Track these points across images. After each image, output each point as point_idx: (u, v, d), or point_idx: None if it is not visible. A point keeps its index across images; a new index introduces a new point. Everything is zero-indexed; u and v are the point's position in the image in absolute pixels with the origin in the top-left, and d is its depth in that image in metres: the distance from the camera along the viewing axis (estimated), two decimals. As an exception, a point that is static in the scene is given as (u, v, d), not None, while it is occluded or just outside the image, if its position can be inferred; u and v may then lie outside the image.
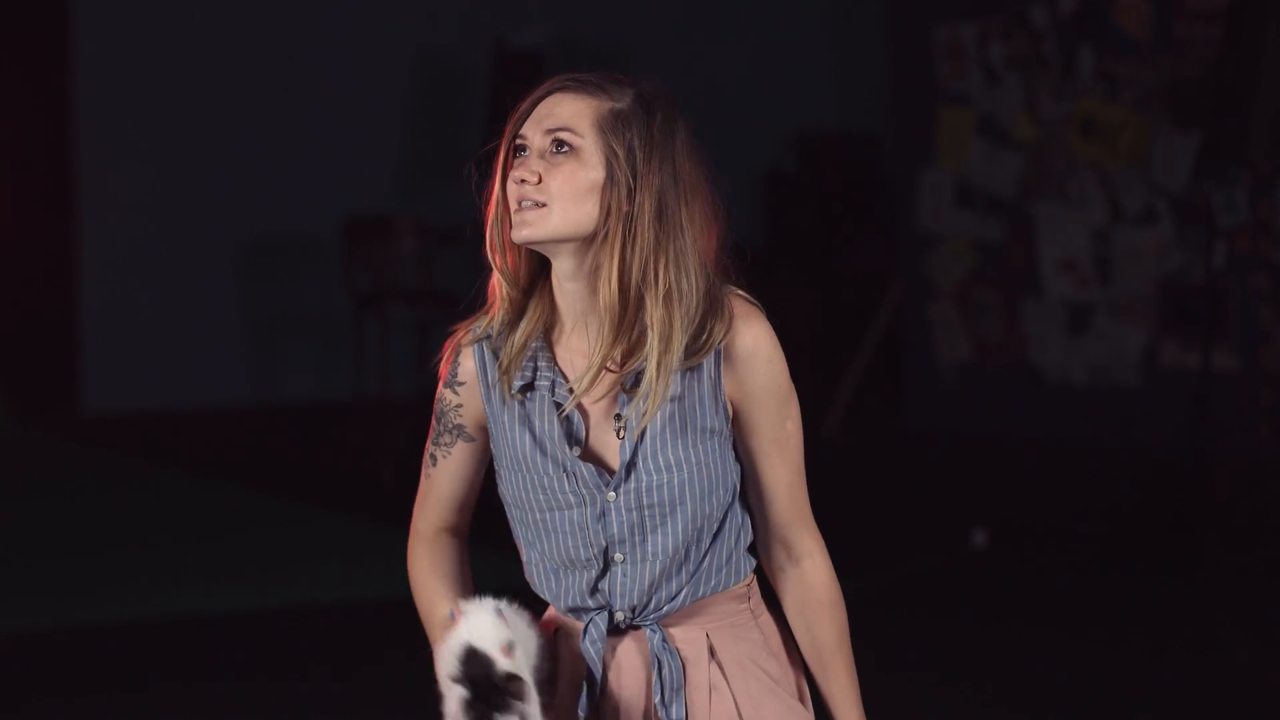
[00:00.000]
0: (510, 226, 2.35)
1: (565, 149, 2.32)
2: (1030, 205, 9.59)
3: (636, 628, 2.39)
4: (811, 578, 2.45)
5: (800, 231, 11.06)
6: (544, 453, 2.36)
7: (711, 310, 2.35)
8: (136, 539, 7.41)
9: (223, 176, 10.54)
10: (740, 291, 2.41)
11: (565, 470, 2.35)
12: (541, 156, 2.33)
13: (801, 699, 2.48)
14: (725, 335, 2.35)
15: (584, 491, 2.35)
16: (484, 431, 2.45)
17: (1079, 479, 8.45)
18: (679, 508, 2.35)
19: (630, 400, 2.34)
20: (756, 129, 11.29)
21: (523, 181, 2.33)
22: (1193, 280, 8.96)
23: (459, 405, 2.44)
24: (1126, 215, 9.27)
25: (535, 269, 2.39)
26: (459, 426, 2.44)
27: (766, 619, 2.47)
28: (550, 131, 2.33)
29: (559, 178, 2.32)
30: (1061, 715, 5.20)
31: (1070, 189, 9.45)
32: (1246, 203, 8.70)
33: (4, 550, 7.17)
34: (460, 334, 2.44)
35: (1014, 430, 9.57)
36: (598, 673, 2.38)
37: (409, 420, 9.46)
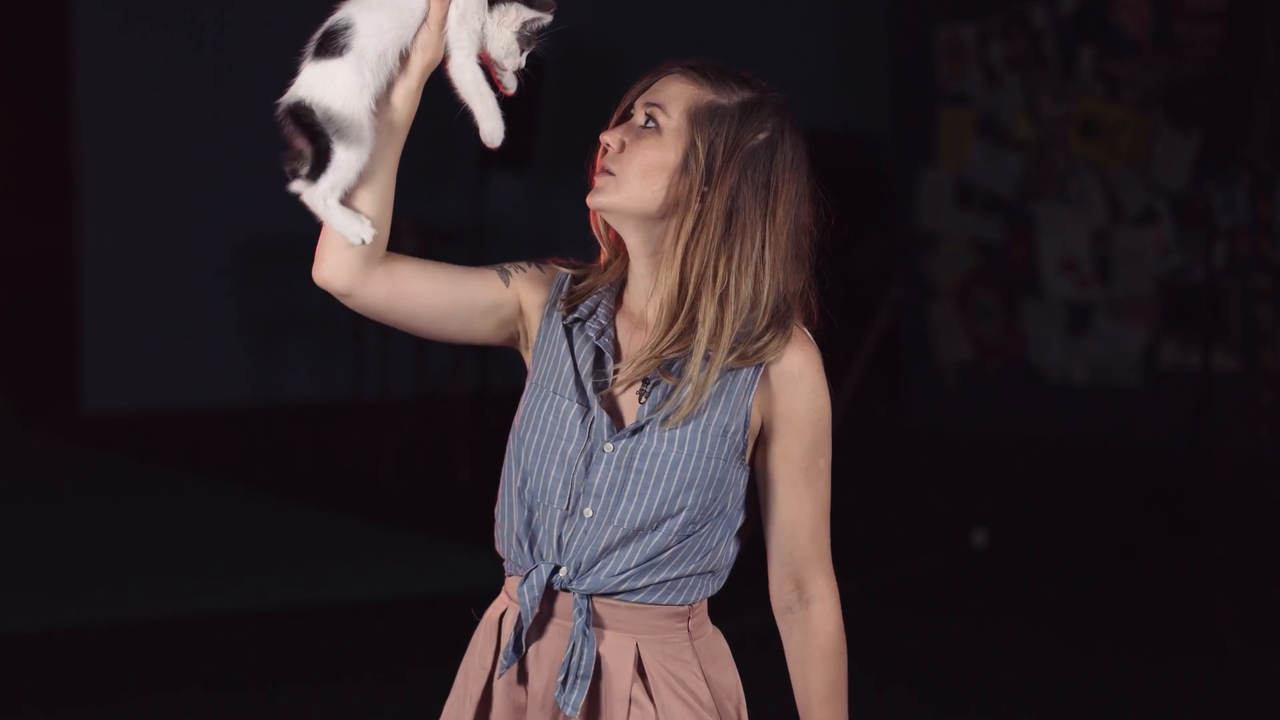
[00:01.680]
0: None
1: (652, 125, 2.37)
2: (1030, 205, 9.59)
3: (569, 592, 2.37)
4: (817, 622, 2.42)
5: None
6: (574, 384, 2.38)
7: (775, 325, 2.36)
8: (137, 539, 7.41)
9: (222, 176, 10.54)
10: (802, 326, 2.42)
11: (585, 406, 2.37)
12: (633, 128, 2.38)
13: None
14: (778, 353, 2.36)
15: (588, 433, 2.36)
16: (509, 311, 2.45)
17: (1079, 479, 8.45)
18: (661, 483, 2.34)
19: (665, 383, 2.36)
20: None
21: (608, 147, 2.38)
22: (1193, 280, 8.96)
23: (523, 270, 2.46)
24: (1126, 215, 9.27)
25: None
26: (505, 271, 2.45)
27: (708, 642, 2.44)
28: (648, 105, 2.37)
29: (634, 150, 2.36)
30: (1061, 716, 5.20)
31: (1070, 189, 9.45)
32: (1246, 203, 8.70)
33: (4, 550, 7.17)
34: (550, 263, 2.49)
35: (1014, 430, 9.57)
36: (527, 619, 2.37)
37: (409, 420, 9.47)
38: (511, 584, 2.43)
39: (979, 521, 7.15)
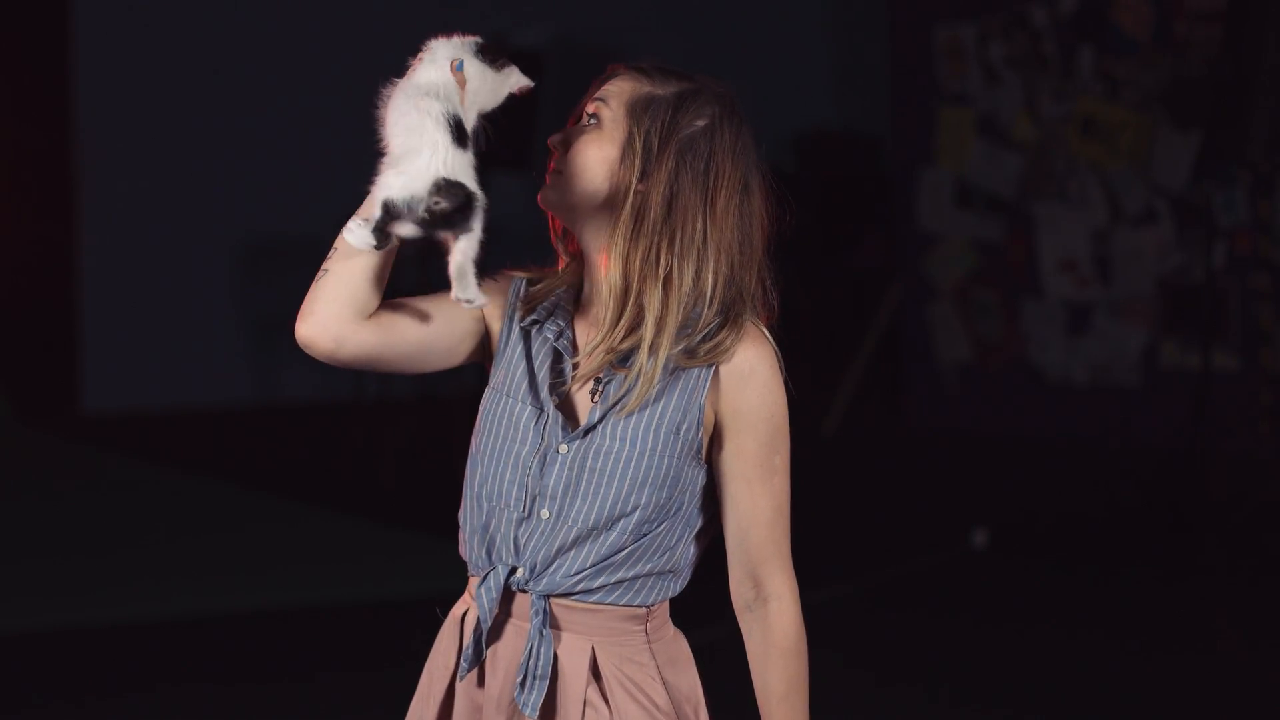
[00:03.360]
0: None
1: (593, 120, 2.40)
2: (1030, 205, 9.59)
3: (526, 593, 2.38)
4: (774, 620, 2.40)
5: (800, 231, 11.05)
6: (528, 387, 2.40)
7: (728, 322, 2.37)
8: (136, 539, 7.41)
9: (223, 177, 10.54)
10: (759, 324, 2.43)
11: (538, 408, 2.38)
12: (577, 127, 2.41)
13: None
14: (729, 352, 2.37)
15: (542, 435, 2.37)
16: (480, 328, 2.47)
17: (1079, 479, 8.45)
18: (615, 483, 2.35)
19: (616, 375, 2.37)
20: (756, 129, 11.28)
21: (554, 148, 2.42)
22: (1193, 280, 8.96)
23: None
24: (1126, 215, 9.27)
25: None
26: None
27: (667, 645, 2.43)
28: (590, 103, 2.41)
29: (576, 147, 2.39)
30: (1061, 716, 5.20)
31: (1070, 189, 9.45)
32: (1246, 203, 8.70)
33: (4, 550, 7.17)
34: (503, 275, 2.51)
35: (1014, 430, 9.57)
36: (486, 622, 2.37)
37: (409, 420, 9.47)
38: (473, 585, 2.44)
39: (979, 521, 7.15)
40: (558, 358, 2.41)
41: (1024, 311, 9.65)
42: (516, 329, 2.44)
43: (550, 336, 2.41)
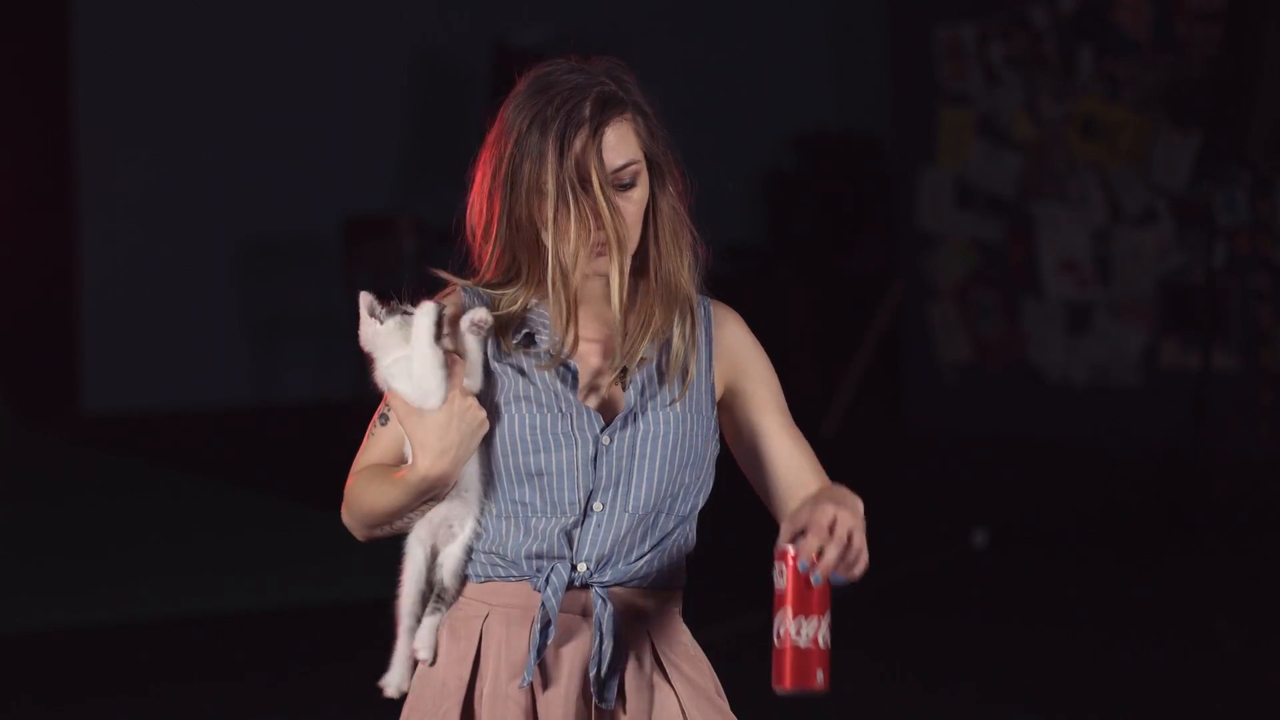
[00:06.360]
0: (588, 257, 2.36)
1: (631, 183, 2.36)
2: (1030, 205, 9.59)
3: (588, 587, 2.37)
4: None
5: (800, 231, 11.06)
6: (543, 394, 2.38)
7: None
8: (136, 539, 7.41)
9: (223, 176, 10.54)
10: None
11: (561, 411, 2.36)
12: (604, 191, 2.33)
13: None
14: (705, 304, 2.43)
15: (577, 434, 2.36)
16: None
17: (1079, 479, 8.45)
18: (666, 464, 2.37)
19: (646, 365, 2.39)
20: (756, 129, 11.29)
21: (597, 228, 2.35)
22: (1193, 280, 8.96)
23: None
24: (1126, 215, 9.27)
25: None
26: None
27: (684, 628, 2.47)
28: (618, 170, 2.34)
29: (629, 208, 2.35)
30: (1061, 715, 5.20)
31: (1070, 189, 9.45)
32: (1246, 203, 8.70)
33: (4, 550, 7.17)
34: (448, 294, 2.46)
35: (1014, 430, 9.57)
36: (554, 617, 2.36)
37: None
38: (499, 590, 2.41)
39: (979, 521, 7.15)
40: (561, 363, 2.40)
41: (1024, 311, 9.65)
42: (504, 351, 2.40)
43: (541, 345, 2.39)
